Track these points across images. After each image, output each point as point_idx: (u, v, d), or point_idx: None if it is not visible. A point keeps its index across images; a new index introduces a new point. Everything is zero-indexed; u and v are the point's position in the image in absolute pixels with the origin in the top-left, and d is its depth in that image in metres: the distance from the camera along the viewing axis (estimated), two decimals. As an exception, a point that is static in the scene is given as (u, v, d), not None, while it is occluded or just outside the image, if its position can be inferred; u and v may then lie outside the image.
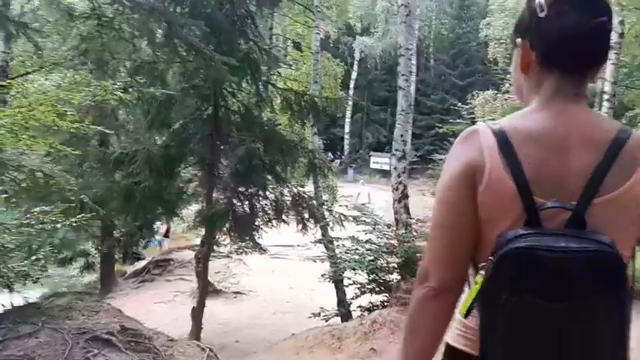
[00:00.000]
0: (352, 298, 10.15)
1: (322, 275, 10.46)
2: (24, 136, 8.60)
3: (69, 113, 8.12)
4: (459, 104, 21.21)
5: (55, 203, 10.99)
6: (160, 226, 22.70)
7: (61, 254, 19.19)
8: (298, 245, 20.03)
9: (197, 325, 11.72)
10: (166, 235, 25.02)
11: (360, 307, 9.85)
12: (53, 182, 13.53)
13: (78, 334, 4.39)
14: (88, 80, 10.28)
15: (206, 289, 11.78)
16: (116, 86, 9.97)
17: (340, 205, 13.20)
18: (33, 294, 22.56)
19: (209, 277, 17.44)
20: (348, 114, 43.29)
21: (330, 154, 43.19)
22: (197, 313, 11.71)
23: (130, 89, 10.57)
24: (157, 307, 15.71)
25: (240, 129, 10.71)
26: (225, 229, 10.77)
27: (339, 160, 44.72)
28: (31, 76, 14.85)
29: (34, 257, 16.44)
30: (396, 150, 11.00)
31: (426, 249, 1.56)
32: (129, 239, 11.90)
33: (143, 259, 25.24)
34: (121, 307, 16.79)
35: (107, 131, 10.27)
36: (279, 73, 16.12)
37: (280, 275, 19.09)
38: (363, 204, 27.08)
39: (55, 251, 18.90)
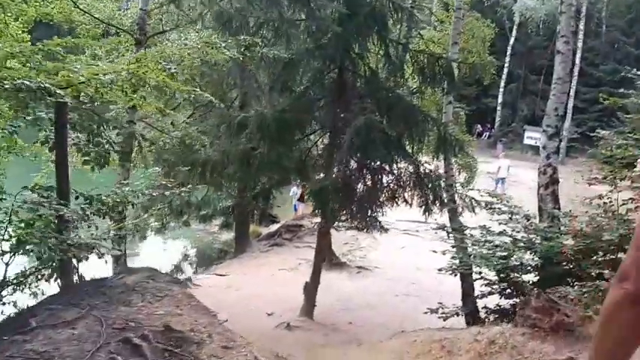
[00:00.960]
0: (478, 297, 8.77)
1: (440, 270, 9.15)
2: (134, 96, 8.42)
3: (175, 73, 7.69)
4: (637, 72, 17.93)
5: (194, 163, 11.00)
6: (297, 190, 22.64)
7: (202, 211, 20.02)
8: (431, 222, 18.73)
9: (309, 302, 11.11)
10: (301, 199, 24.71)
11: (485, 308, 8.47)
12: (189, 142, 13.72)
13: (118, 329, 3.80)
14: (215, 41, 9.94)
15: (320, 265, 11.08)
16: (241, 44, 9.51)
17: (471, 189, 11.66)
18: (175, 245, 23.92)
19: (334, 249, 16.97)
20: (502, 83, 39.93)
21: (478, 126, 40.33)
22: (310, 290, 11.08)
23: (254, 48, 9.99)
24: (281, 274, 15.48)
25: (364, 95, 9.64)
26: (337, 205, 9.87)
27: (487, 133, 41.64)
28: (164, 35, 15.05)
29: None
30: (547, 126, 9.22)
31: (630, 247, 1.46)
32: (250, 203, 11.43)
33: (278, 222, 25.39)
34: (247, 269, 17.06)
35: (212, 99, 9.72)
36: (420, 35, 14.66)
37: (409, 253, 17.91)
38: (502, 179, 24.94)
39: (196, 209, 19.71)
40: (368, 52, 10.06)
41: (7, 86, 6.01)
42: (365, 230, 11.45)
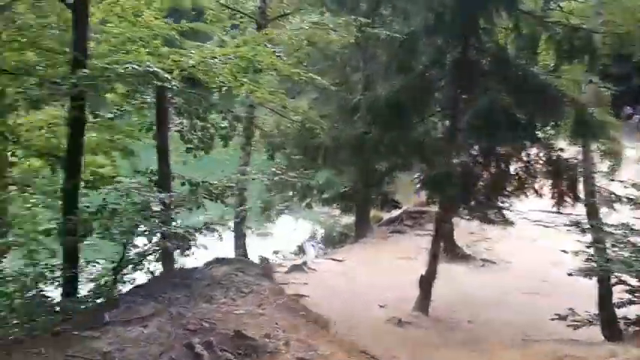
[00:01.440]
0: (617, 305, 7.60)
1: (571, 274, 8.02)
2: (244, 80, 8.27)
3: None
4: None
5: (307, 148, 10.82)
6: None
7: (324, 194, 19.96)
8: (570, 213, 16.99)
9: (424, 296, 10.45)
10: (424, 185, 23.45)
11: (624, 318, 7.30)
12: (309, 126, 13.58)
13: (189, 330, 3.55)
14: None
15: (437, 257, 10.35)
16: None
17: (612, 179, 10.18)
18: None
19: (458, 239, 16.00)
20: (658, 59, 35.24)
21: (628, 108, 36.10)
22: (425, 283, 10.42)
23: (368, 28, 9.47)
24: (399, 263, 14.90)
25: (489, 74, 8.70)
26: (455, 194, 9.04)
27: (638, 117, 37.14)
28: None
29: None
30: None
31: None
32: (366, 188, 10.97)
33: (400, 207, 24.57)
34: (365, 256, 16.65)
35: (324, 82, 9.30)
36: (559, 6, 13.12)
37: (542, 246, 16.43)
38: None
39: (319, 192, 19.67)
40: (495, 27, 9.06)
41: (119, 70, 6.06)
42: (487, 223, 10.49)
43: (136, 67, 6.01)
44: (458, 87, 9.23)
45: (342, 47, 14.34)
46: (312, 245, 22.88)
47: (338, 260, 15.41)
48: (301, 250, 21.96)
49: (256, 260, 16.16)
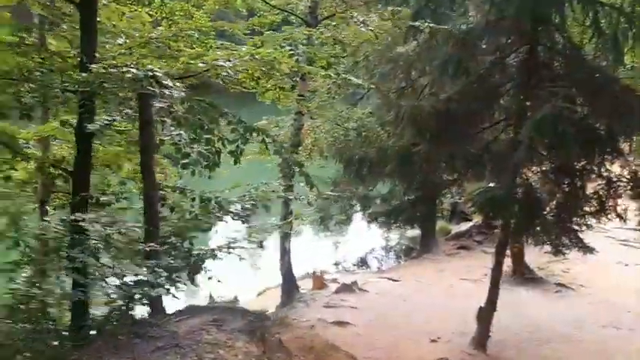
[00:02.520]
0: None
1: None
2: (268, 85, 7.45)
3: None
4: None
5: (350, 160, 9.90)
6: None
7: (386, 205, 18.87)
8: (658, 234, 14.92)
9: (482, 331, 9.17)
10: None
11: None
12: (365, 134, 12.63)
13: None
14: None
15: (497, 287, 9.04)
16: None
17: None
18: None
19: (529, 259, 14.41)
20: None
21: None
22: (484, 316, 9.14)
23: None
24: (461, 285, 13.57)
25: (557, 78, 7.39)
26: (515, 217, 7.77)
27: None
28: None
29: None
30: None
31: None
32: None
33: (470, 220, 22.94)
34: (424, 275, 15.34)
35: (360, 83, 8.39)
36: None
37: (627, 271, 14.56)
38: None
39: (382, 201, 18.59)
40: (567, 22, 7.73)
41: (116, 73, 5.40)
42: (559, 252, 9.06)
43: (135, 71, 5.30)
44: (523, 93, 7.95)
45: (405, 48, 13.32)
46: (376, 258, 21.71)
47: (394, 280, 14.27)
48: (364, 262, 20.94)
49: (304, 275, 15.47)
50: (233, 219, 6.73)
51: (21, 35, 6.01)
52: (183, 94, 5.45)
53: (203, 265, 6.11)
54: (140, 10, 6.91)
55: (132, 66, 5.44)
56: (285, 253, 12.58)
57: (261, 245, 7.54)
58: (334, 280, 14.59)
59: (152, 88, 5.03)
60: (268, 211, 7.41)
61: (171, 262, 6.20)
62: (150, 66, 5.52)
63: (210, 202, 6.10)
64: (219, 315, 4.64)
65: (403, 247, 22.56)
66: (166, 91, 5.16)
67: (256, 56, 6.08)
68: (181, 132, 5.07)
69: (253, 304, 14.34)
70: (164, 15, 8.35)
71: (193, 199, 6.14)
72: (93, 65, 5.49)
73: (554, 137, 6.51)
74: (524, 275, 13.67)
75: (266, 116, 15.05)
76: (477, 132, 8.50)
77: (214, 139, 5.44)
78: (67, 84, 5.57)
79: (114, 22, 6.77)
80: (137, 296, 4.67)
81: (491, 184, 7.41)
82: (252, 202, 6.93)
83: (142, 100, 4.87)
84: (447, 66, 8.40)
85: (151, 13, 7.37)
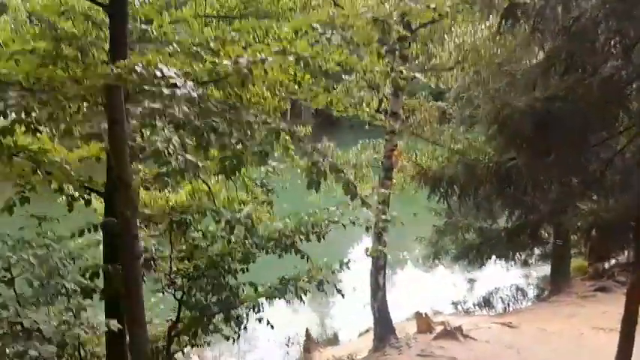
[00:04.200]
0: None
1: None
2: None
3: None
4: None
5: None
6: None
7: (513, 239, 16.79)
8: None
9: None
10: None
11: None
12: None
13: None
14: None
15: (630, 341, 6.93)
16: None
17: None
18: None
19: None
20: None
21: None
22: (614, 380, 7.05)
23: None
24: (593, 335, 11.21)
25: None
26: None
27: None
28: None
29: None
30: None
31: None
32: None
33: (615, 257, 19.73)
34: (549, 321, 13.05)
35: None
36: None
37: None
38: None
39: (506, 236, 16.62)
40: None
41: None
42: None
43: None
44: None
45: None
46: (501, 298, 19.36)
47: (510, 326, 12.18)
48: (487, 303, 18.76)
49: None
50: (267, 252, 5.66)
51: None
52: (194, 93, 4.51)
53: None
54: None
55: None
56: (377, 289, 11.18)
57: (321, 286, 6.35)
58: (443, 323, 12.83)
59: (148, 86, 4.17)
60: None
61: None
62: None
63: (234, 226, 5.07)
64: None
65: (535, 288, 20.08)
66: (165, 91, 4.26)
67: (292, 50, 5.03)
68: (172, 137, 4.13)
69: (349, 346, 13.07)
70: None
71: (217, 221, 5.14)
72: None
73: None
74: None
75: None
76: (595, 144, 6.66)
77: (232, 142, 4.42)
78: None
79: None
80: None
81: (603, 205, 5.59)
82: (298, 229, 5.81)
83: (109, 96, 4.00)
84: (553, 61, 6.77)
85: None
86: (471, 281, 21.29)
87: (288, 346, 8.44)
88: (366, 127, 13.70)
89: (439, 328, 11.76)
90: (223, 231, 5.45)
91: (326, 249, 7.02)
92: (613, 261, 17.88)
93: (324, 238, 5.93)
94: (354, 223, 6.00)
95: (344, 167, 5.64)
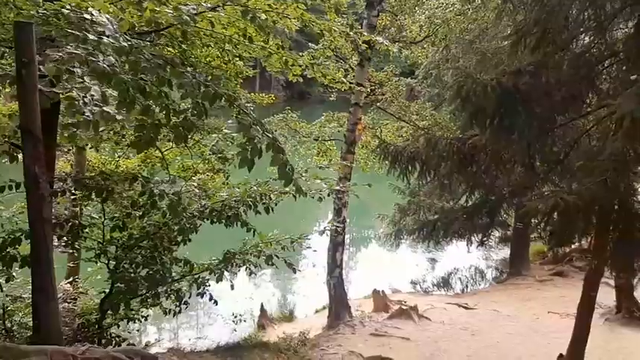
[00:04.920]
0: None
1: None
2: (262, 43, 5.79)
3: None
4: None
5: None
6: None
7: (475, 220, 16.66)
8: None
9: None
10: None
11: None
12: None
13: None
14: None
15: (585, 330, 6.77)
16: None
17: None
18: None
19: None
20: None
21: None
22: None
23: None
24: (547, 320, 11.15)
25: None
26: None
27: None
28: None
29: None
30: None
31: None
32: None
33: (574, 243, 19.80)
34: (505, 304, 12.94)
35: None
36: None
37: None
38: None
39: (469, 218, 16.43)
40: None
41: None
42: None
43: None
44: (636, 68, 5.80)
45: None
46: (460, 279, 19.32)
47: (467, 307, 12.05)
48: (446, 283, 18.69)
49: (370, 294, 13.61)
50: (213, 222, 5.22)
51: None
52: (124, 43, 4.00)
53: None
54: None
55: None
56: (335, 266, 10.85)
57: (270, 260, 5.93)
58: (401, 302, 12.61)
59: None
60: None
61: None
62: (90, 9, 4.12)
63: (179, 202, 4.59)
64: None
65: (494, 270, 20.12)
66: (91, 36, 3.74)
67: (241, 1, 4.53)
68: (93, 86, 3.62)
69: (305, 323, 12.76)
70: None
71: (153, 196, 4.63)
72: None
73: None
74: (633, 314, 10.99)
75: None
76: (561, 123, 6.36)
77: (154, 107, 3.94)
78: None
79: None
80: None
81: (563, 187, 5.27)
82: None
83: (20, 33, 3.44)
84: (523, 35, 6.41)
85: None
86: (433, 261, 21.20)
87: (235, 322, 8.03)
88: (332, 98, 13.31)
89: (396, 307, 11.54)
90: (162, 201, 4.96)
91: (295, 224, 6.66)
92: (572, 246, 17.89)
93: (272, 210, 5.50)
94: (305, 194, 5.57)
95: (285, 145, 5.11)
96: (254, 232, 5.79)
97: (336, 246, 10.79)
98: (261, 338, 11.11)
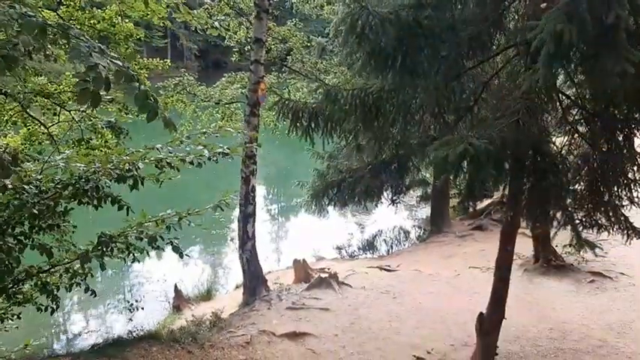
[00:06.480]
0: None
1: None
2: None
3: None
4: None
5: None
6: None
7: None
8: None
9: (486, 344, 6.59)
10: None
11: None
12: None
13: None
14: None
15: (503, 286, 6.44)
16: None
17: None
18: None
19: (555, 244, 11.67)
20: None
21: None
22: (487, 327, 6.55)
23: None
24: (469, 274, 10.98)
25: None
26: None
27: None
28: None
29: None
30: None
31: None
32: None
33: (491, 196, 20.00)
34: (427, 262, 12.67)
35: None
36: None
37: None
38: None
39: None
40: None
41: None
42: (595, 232, 6.41)
43: None
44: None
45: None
46: (385, 241, 19.10)
47: (388, 269, 11.69)
48: (371, 246, 18.39)
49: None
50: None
51: None
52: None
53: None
54: None
55: None
56: (247, 239, 10.08)
57: (153, 243, 5.05)
58: (323, 270, 12.07)
59: None
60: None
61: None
62: None
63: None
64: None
65: (417, 229, 20.06)
66: None
67: None
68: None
69: (222, 300, 12.02)
70: None
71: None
72: None
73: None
74: (551, 262, 10.97)
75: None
76: (477, 64, 5.81)
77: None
78: None
79: None
80: None
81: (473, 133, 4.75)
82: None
83: None
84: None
85: None
86: (360, 226, 20.94)
87: (131, 311, 7.11)
88: (235, 58, 12.34)
89: (317, 276, 11.00)
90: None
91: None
92: (490, 200, 18.02)
93: (142, 184, 4.61)
94: (183, 160, 4.74)
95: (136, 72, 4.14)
96: (127, 209, 4.91)
97: (247, 217, 10.00)
98: (176, 320, 10.32)
